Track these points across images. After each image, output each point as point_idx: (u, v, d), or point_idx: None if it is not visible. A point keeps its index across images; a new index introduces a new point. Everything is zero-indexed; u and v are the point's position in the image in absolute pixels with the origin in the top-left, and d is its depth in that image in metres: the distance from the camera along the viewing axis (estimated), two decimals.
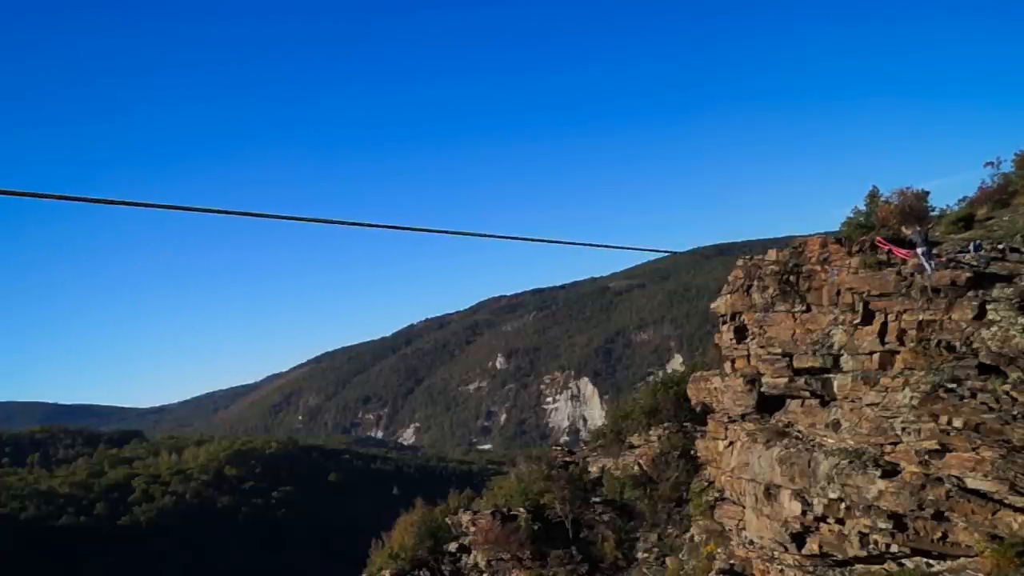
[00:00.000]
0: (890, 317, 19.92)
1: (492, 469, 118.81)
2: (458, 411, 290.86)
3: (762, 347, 23.61)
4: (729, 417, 24.60)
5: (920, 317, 19.11)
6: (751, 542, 22.52)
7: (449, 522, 34.28)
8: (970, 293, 18.58)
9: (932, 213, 25.12)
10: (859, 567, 18.99)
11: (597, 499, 32.94)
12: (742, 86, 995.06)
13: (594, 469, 35.25)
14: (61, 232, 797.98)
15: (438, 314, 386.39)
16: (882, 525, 17.36)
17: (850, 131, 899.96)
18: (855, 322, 20.82)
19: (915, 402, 17.54)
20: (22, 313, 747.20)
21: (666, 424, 35.01)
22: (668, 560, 28.06)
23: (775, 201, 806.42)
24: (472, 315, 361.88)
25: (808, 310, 22.68)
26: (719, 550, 24.79)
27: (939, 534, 16.50)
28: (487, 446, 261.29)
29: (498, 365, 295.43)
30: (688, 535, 28.52)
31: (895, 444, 17.89)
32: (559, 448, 44.49)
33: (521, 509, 32.12)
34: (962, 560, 16.42)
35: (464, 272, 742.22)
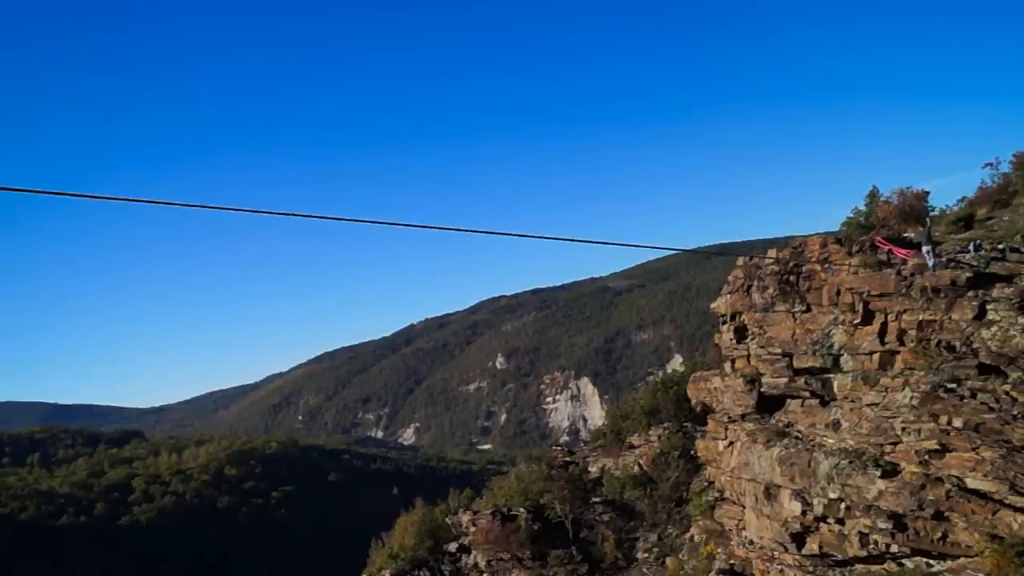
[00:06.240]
0: (890, 317, 19.91)
1: (492, 469, 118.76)
2: (458, 411, 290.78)
3: (762, 347, 23.61)
4: (729, 417, 24.58)
5: (920, 317, 19.10)
6: (751, 542, 22.51)
7: (449, 522, 34.25)
8: (970, 293, 18.57)
9: (932, 213, 25.12)
10: (859, 567, 18.97)
11: (597, 499, 32.92)
12: (742, 86, 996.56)
13: (594, 469, 35.25)
14: (61, 232, 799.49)
15: (438, 314, 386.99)
16: (882, 525, 17.35)
17: (850, 131, 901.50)
18: (855, 322, 20.81)
19: (915, 402, 17.53)
20: (22, 313, 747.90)
21: (666, 424, 35.03)
22: (668, 560, 28.04)
23: (775, 201, 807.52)
24: (472, 315, 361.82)
25: (808, 310, 22.67)
26: (719, 550, 24.78)
27: (939, 534, 16.49)
28: (487, 446, 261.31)
29: (498, 365, 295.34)
30: (688, 535, 28.50)
31: (895, 444, 17.88)
32: (559, 448, 44.47)
33: (521, 509, 32.09)
34: (962, 560, 16.40)
35: (464, 272, 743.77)
